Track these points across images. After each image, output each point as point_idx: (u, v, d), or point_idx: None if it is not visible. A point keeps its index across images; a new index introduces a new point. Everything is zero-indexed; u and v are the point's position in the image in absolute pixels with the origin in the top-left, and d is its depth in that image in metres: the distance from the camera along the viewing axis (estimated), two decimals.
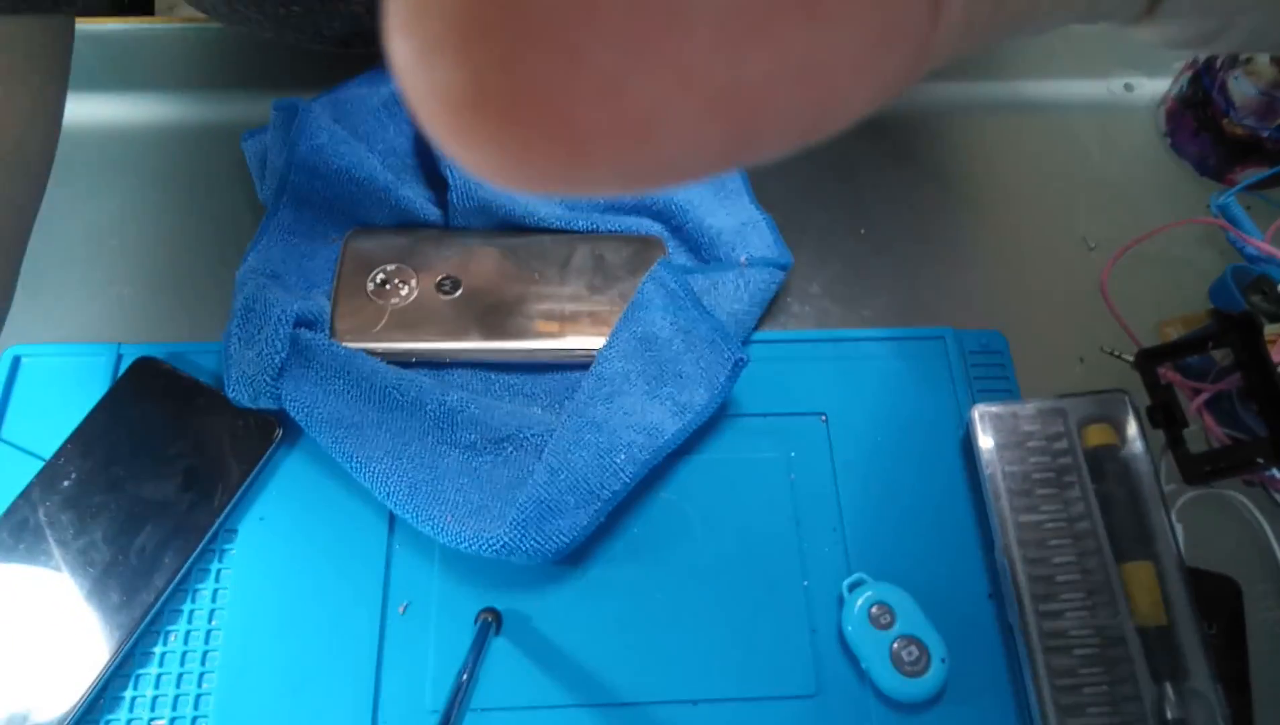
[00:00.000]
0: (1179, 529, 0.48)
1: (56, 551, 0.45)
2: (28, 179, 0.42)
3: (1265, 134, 0.56)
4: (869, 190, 0.59)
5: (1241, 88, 0.55)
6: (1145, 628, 0.44)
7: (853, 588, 0.46)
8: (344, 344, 0.49)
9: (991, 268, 0.57)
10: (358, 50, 0.57)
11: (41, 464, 0.47)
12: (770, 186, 0.58)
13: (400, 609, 0.45)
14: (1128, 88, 0.64)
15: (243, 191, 0.57)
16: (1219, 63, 0.56)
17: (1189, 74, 0.59)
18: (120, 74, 0.62)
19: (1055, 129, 0.62)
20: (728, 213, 0.55)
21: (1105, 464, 0.47)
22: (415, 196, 0.54)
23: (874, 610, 0.45)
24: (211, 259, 0.55)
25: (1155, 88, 0.64)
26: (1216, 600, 0.46)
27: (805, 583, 0.47)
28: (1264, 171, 0.58)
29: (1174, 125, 0.61)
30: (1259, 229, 0.56)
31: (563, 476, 0.45)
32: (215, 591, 0.45)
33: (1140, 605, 0.44)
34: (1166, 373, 0.51)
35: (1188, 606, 0.44)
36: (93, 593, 0.44)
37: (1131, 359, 0.52)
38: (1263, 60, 0.53)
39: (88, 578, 0.44)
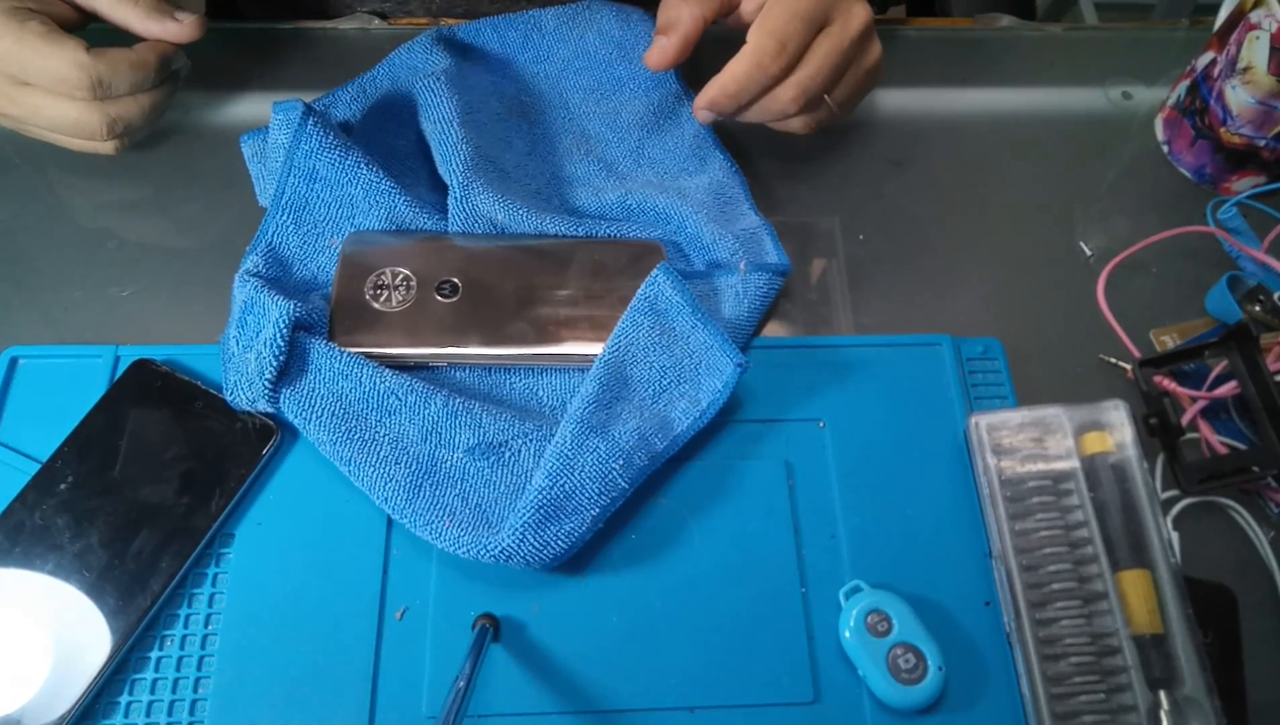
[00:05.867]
0: (1175, 537, 0.48)
1: (52, 555, 0.45)
2: None
3: (1262, 143, 0.56)
4: (868, 198, 0.59)
5: (1239, 97, 0.55)
6: (1141, 636, 0.44)
7: (850, 595, 0.46)
8: (342, 348, 0.49)
9: (989, 275, 0.57)
10: None
11: (38, 467, 0.47)
12: (770, 194, 0.58)
13: (398, 614, 0.45)
14: (1126, 96, 0.64)
15: (242, 193, 0.56)
16: (1217, 71, 0.56)
17: (1186, 82, 0.60)
18: None
19: (1053, 136, 0.63)
20: (728, 219, 0.55)
21: (1101, 472, 0.48)
22: (415, 200, 0.54)
23: (871, 618, 0.45)
24: (211, 261, 0.54)
25: (1153, 96, 0.64)
26: (1212, 609, 0.46)
27: (803, 589, 0.47)
28: (1261, 179, 0.58)
29: (1171, 133, 0.61)
30: (1256, 238, 0.56)
31: (561, 482, 0.45)
32: (212, 596, 0.45)
33: (1136, 613, 0.44)
34: (1163, 381, 0.51)
35: (1183, 615, 0.44)
36: (88, 597, 0.44)
37: (1128, 367, 0.52)
38: (1260, 69, 0.53)
39: (84, 582, 0.44)
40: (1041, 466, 0.48)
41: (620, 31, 0.61)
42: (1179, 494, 0.49)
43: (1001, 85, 0.65)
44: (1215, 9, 0.60)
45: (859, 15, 0.52)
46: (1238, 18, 0.55)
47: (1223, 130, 0.57)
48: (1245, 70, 0.54)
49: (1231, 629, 0.46)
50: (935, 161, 0.61)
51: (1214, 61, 0.57)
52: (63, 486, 0.46)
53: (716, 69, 0.52)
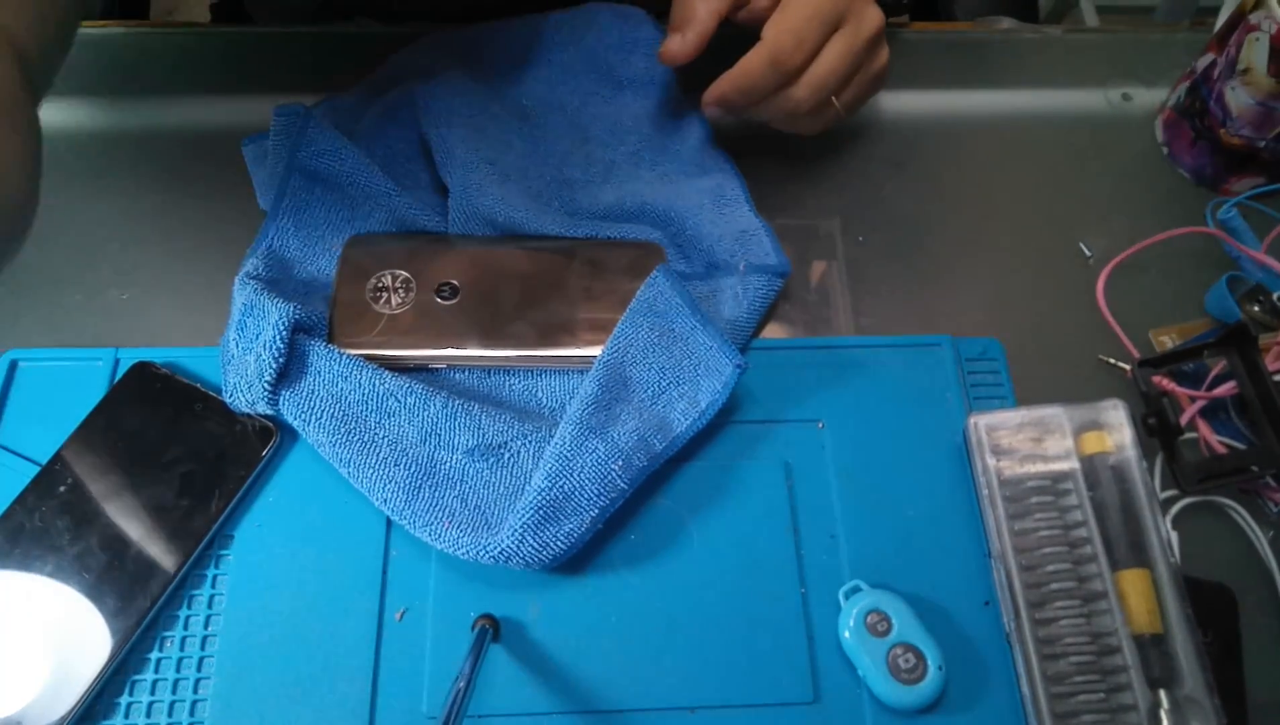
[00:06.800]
0: (1174, 537, 0.48)
1: (52, 557, 0.45)
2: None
3: (1262, 144, 0.56)
4: (867, 199, 0.59)
5: (1239, 98, 0.55)
6: (1141, 635, 0.44)
7: (849, 595, 0.46)
8: (342, 350, 0.49)
9: (989, 276, 0.57)
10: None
11: (38, 469, 0.47)
12: (769, 195, 0.58)
13: (397, 615, 0.45)
14: (1125, 97, 0.64)
15: (243, 196, 0.56)
16: (1216, 73, 0.56)
17: (1186, 84, 0.60)
18: (119, 79, 0.62)
19: (1053, 138, 0.63)
20: (727, 221, 0.55)
21: (1100, 472, 0.47)
22: (415, 203, 0.54)
23: (871, 618, 0.45)
24: (211, 264, 0.54)
25: (1153, 97, 0.64)
26: (1212, 608, 0.46)
27: (802, 590, 0.47)
28: (1260, 180, 0.58)
29: (1171, 135, 0.61)
30: (1256, 239, 0.56)
31: (560, 483, 0.45)
32: (212, 598, 0.45)
33: (1136, 613, 0.44)
34: (1162, 381, 0.51)
35: (1183, 614, 0.44)
36: (88, 598, 0.44)
37: (1127, 367, 0.52)
38: (1260, 71, 0.53)
39: (83, 583, 0.44)
40: (1040, 467, 0.48)
41: (620, 35, 0.61)
42: (1178, 494, 0.49)
43: (1001, 87, 0.65)
44: (1215, 11, 0.61)
45: (872, 19, 0.52)
46: (1237, 19, 0.55)
47: (1222, 131, 0.57)
48: (1245, 71, 0.54)
49: (1231, 628, 0.46)
50: (935, 163, 0.61)
51: (1214, 63, 0.57)
52: (62, 489, 0.46)
53: (712, 66, 0.52)
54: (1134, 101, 0.64)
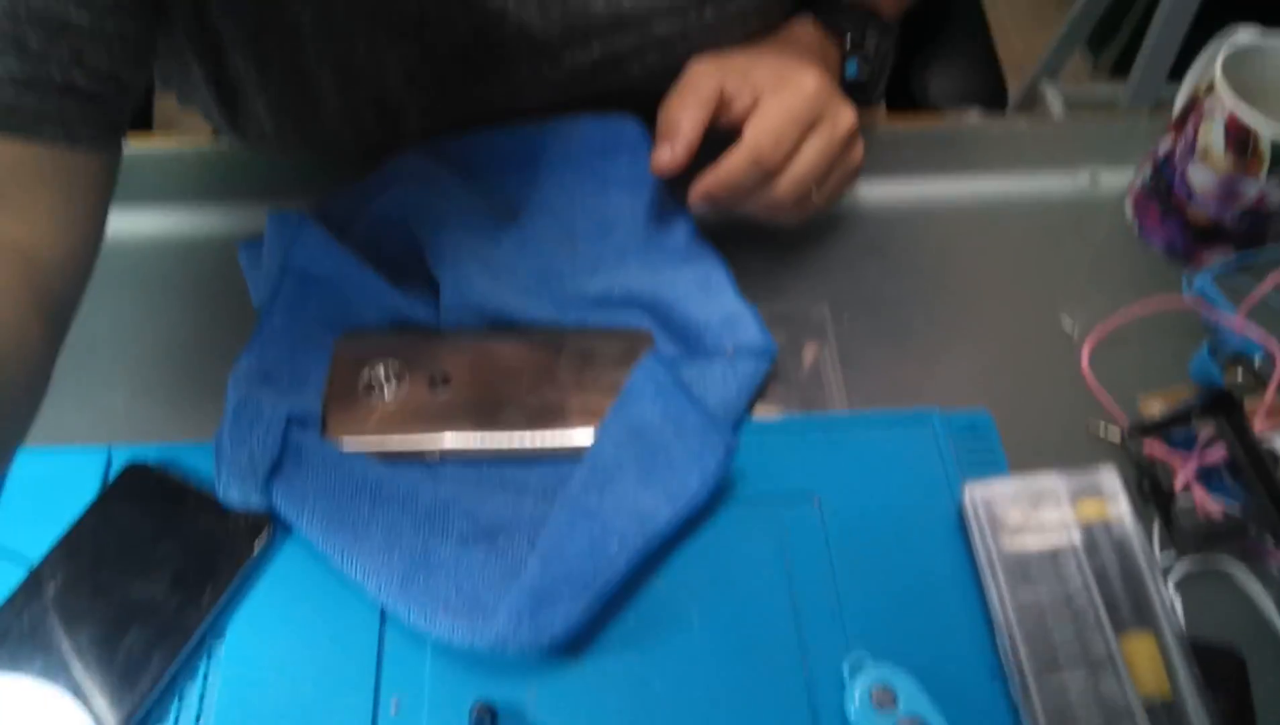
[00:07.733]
0: (1177, 601, 0.47)
1: (40, 657, 0.44)
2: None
3: (1227, 218, 0.58)
4: (851, 283, 0.61)
5: (1200, 176, 0.57)
6: (1150, 701, 0.43)
7: (854, 670, 0.45)
8: (335, 442, 0.49)
9: (976, 353, 0.58)
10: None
11: (29, 568, 0.46)
12: (756, 282, 0.59)
13: (393, 706, 0.44)
14: (1094, 181, 0.67)
15: (238, 301, 0.57)
16: (1178, 154, 0.58)
17: (1150, 165, 0.62)
18: (120, 189, 0.63)
19: (1028, 220, 0.65)
20: (713, 306, 0.56)
21: (1099, 538, 0.47)
22: (407, 296, 0.55)
23: (876, 692, 0.44)
24: (206, 366, 0.55)
25: (1120, 180, 0.66)
26: (1221, 672, 0.45)
27: (804, 666, 0.46)
28: (1230, 250, 0.60)
29: (1141, 213, 0.63)
30: (1231, 305, 0.57)
31: (556, 567, 0.45)
32: (203, 693, 0.44)
33: (1143, 677, 0.44)
34: (1153, 448, 0.51)
35: (1192, 678, 0.44)
36: (78, 697, 0.43)
37: (1116, 438, 0.53)
38: (1218, 151, 0.55)
39: (72, 682, 0.43)
40: (1038, 534, 0.48)
41: (604, 138, 0.63)
42: (1177, 557, 0.49)
43: (974, 173, 0.68)
44: (1174, 100, 0.63)
45: (846, 118, 0.55)
46: (1193, 103, 0.57)
47: (1189, 209, 0.59)
48: (1204, 152, 0.56)
49: (1242, 692, 0.45)
50: (914, 247, 0.63)
51: (1174, 146, 0.59)
52: (53, 589, 0.46)
53: (695, 160, 0.54)
54: (1102, 184, 0.67)
